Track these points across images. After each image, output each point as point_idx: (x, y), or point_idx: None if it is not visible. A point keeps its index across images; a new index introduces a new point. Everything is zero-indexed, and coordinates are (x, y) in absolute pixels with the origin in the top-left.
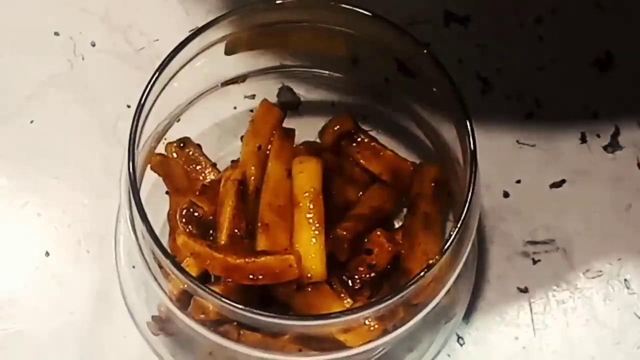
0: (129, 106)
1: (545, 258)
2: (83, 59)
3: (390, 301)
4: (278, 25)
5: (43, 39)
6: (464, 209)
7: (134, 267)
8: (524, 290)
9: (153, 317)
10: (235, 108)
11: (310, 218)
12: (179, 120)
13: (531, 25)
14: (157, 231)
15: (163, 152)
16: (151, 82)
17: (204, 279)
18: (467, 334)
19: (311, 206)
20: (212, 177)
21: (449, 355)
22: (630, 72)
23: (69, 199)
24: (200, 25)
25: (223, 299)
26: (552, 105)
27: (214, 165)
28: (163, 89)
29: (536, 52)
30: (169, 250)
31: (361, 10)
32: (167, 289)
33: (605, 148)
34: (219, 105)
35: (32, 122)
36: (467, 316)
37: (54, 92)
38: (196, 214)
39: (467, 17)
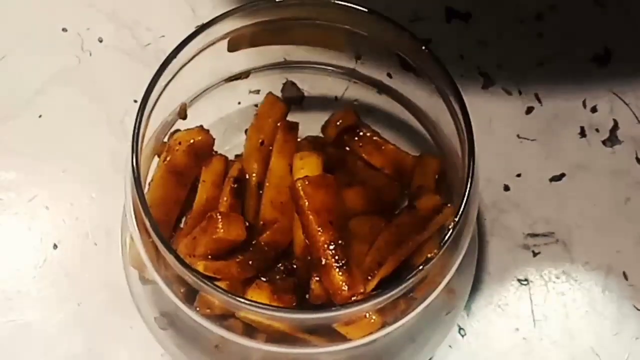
0: (135, 101)
1: (545, 250)
2: (90, 54)
3: (390, 294)
4: (281, 22)
5: (51, 35)
6: (462, 202)
7: None
8: (524, 282)
9: (161, 312)
10: (239, 103)
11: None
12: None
13: (531, 21)
14: None
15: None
16: (155, 78)
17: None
18: (468, 325)
19: None
20: None
21: (450, 346)
22: (628, 68)
23: (76, 192)
24: (205, 21)
25: (228, 294)
26: (552, 100)
27: None
28: (168, 84)
29: (536, 48)
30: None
31: (361, 8)
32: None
33: (604, 142)
34: (223, 100)
35: (40, 116)
36: (468, 308)
37: (62, 88)
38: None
39: (468, 14)
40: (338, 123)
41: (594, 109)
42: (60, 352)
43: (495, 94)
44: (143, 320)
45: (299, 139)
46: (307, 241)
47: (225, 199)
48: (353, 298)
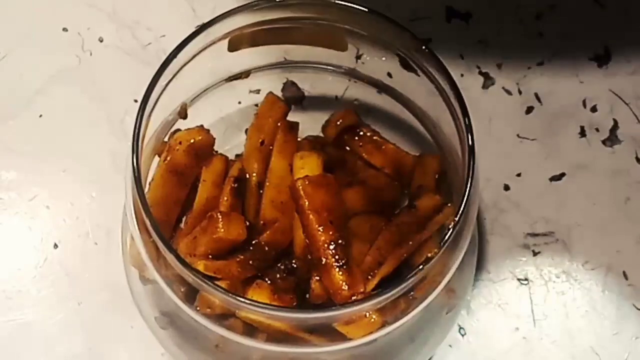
0: (136, 101)
1: (545, 250)
2: (91, 54)
3: (390, 294)
4: (281, 22)
5: (52, 35)
6: (462, 202)
7: None
8: (524, 282)
9: (161, 312)
10: (240, 103)
11: None
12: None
13: (531, 21)
14: None
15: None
16: (156, 77)
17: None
18: (468, 325)
19: None
20: None
21: (450, 346)
22: (628, 68)
23: (77, 192)
24: (206, 21)
25: (229, 293)
26: (552, 99)
27: None
28: (168, 83)
29: (536, 47)
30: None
31: (361, 8)
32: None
33: (604, 142)
34: (224, 100)
35: (40, 116)
36: (468, 307)
37: (62, 87)
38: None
39: (469, 13)
40: (338, 123)
41: (593, 109)
42: (60, 352)
43: (495, 93)
44: (143, 319)
45: (299, 139)
46: (307, 241)
47: (225, 198)
48: (353, 297)
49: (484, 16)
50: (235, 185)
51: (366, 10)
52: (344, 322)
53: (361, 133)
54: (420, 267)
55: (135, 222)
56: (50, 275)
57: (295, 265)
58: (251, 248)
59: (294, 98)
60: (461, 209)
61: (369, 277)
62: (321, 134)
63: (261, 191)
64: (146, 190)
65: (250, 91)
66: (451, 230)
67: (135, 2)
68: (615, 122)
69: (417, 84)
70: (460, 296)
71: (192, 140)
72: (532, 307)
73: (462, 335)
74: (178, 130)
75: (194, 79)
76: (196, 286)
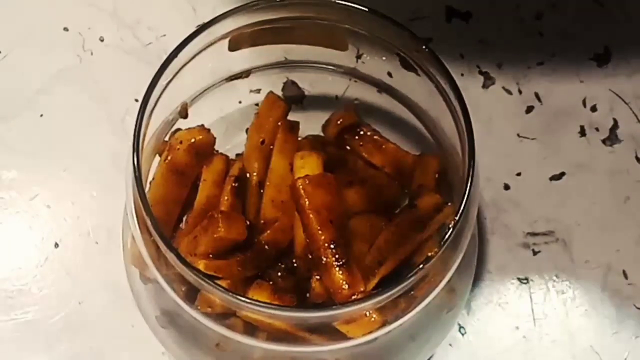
0: (136, 100)
1: (545, 249)
2: (92, 54)
3: (390, 293)
4: (281, 21)
5: (52, 34)
6: (462, 201)
7: None
8: (525, 281)
9: (162, 311)
10: (240, 102)
11: None
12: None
13: (531, 20)
14: None
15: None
16: (156, 77)
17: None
18: (469, 324)
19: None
20: None
21: (450, 345)
22: (628, 67)
23: (78, 191)
24: (206, 21)
25: (229, 292)
26: (552, 99)
27: None
28: (169, 83)
29: (536, 47)
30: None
31: (362, 8)
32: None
33: (604, 141)
34: (224, 100)
35: (41, 116)
36: (468, 306)
37: (63, 87)
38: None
39: (469, 13)
40: (338, 122)
41: (593, 108)
42: (61, 351)
43: (495, 93)
44: (144, 318)
45: (299, 138)
46: (307, 240)
47: (226, 198)
48: (353, 297)
49: (484, 16)
50: (236, 184)
51: (366, 10)
52: (345, 321)
53: (361, 132)
54: (421, 266)
55: (135, 222)
56: (51, 274)
57: (295, 265)
58: (251, 248)
59: (294, 97)
60: (461, 208)
61: (369, 276)
62: (321, 134)
63: (261, 190)
64: (147, 189)
65: (251, 91)
66: (451, 229)
67: (135, 1)
68: (615, 121)
69: (417, 84)
70: (461, 295)
71: (192, 140)
72: (532, 306)
73: (462, 335)
74: (179, 129)
75: (194, 78)
76: (197, 285)
